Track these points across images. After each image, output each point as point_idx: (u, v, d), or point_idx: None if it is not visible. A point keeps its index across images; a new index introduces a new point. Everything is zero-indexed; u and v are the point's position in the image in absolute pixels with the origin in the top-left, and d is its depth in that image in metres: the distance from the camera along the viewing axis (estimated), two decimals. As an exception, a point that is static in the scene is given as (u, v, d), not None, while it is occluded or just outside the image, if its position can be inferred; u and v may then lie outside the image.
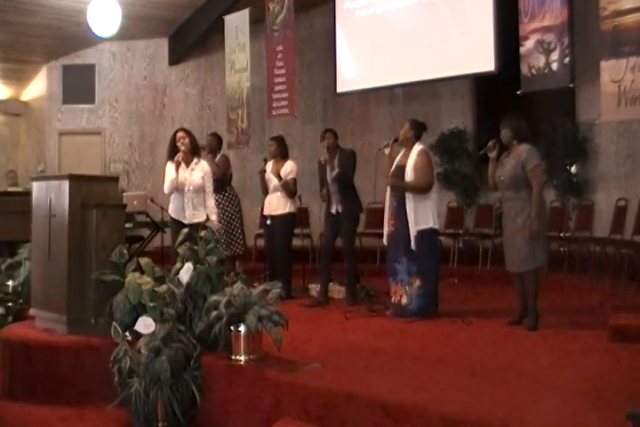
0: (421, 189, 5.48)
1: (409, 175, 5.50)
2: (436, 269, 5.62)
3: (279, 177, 6.63)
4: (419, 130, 5.67)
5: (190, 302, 4.24)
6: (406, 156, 5.63)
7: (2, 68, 11.25)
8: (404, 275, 5.50)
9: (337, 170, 6.36)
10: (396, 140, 5.76)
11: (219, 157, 7.33)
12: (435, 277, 5.57)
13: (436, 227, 5.57)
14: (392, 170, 5.67)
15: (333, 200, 6.41)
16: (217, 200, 6.77)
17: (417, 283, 5.43)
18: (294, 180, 6.68)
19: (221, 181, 7.03)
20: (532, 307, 4.98)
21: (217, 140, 7.47)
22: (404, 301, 5.49)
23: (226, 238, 6.92)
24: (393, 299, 5.59)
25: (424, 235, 5.46)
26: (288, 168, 6.69)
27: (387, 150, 5.78)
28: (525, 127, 5.13)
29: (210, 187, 6.09)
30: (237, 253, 7.13)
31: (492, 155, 5.17)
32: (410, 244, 5.42)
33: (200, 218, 5.93)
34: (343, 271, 6.46)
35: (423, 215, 5.47)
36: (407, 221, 5.45)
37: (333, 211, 6.42)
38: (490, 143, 5.17)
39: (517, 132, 5.06)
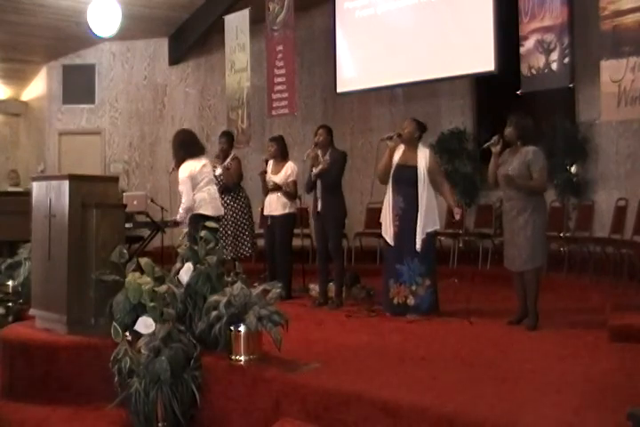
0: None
1: (422, 176, 5.51)
2: (436, 268, 5.69)
3: (279, 188, 6.59)
4: (422, 130, 5.71)
5: (190, 302, 4.24)
6: (409, 156, 5.61)
7: (2, 68, 11.25)
8: (408, 276, 5.50)
9: (321, 166, 6.22)
10: (399, 136, 5.66)
11: (229, 159, 7.15)
12: (436, 276, 5.64)
13: (439, 228, 5.73)
14: (392, 170, 5.65)
15: (318, 197, 6.29)
16: (225, 201, 6.76)
17: (427, 283, 5.48)
18: (295, 182, 6.65)
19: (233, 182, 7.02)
20: (531, 307, 4.97)
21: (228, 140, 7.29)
22: (412, 302, 5.49)
23: (232, 240, 6.90)
24: (395, 300, 5.56)
25: (430, 236, 5.54)
26: (288, 170, 6.66)
27: (390, 143, 5.66)
28: (532, 129, 5.11)
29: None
30: (244, 255, 7.08)
31: (496, 150, 5.17)
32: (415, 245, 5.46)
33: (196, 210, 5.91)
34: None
35: (432, 217, 5.54)
36: (414, 223, 5.47)
37: (319, 209, 6.29)
38: (494, 138, 5.16)
39: (522, 132, 5.03)
